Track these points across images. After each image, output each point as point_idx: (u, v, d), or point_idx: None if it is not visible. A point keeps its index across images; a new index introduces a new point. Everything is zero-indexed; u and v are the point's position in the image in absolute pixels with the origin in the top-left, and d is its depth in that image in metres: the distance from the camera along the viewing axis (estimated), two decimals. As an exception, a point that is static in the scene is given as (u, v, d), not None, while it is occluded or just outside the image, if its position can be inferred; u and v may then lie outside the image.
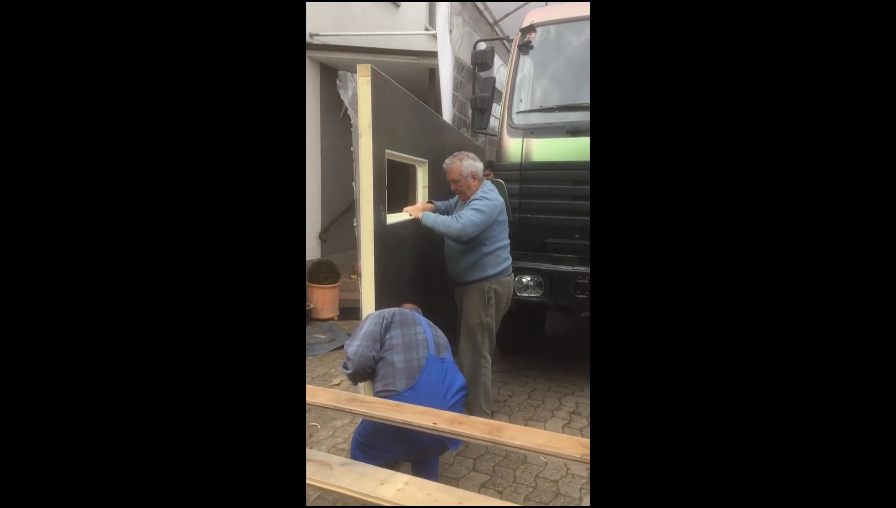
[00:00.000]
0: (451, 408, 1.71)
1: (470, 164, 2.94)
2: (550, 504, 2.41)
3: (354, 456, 1.90)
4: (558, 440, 1.51)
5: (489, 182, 3.08)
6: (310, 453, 1.71)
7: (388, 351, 1.83)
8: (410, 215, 2.84)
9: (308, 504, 2.20)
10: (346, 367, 1.91)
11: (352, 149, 2.86)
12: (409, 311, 2.05)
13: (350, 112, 3.02)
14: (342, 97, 3.17)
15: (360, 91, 2.11)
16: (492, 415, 3.13)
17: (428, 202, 3.16)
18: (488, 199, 2.89)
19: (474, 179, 2.96)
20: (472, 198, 2.90)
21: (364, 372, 1.87)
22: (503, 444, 1.52)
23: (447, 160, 3.04)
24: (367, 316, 2.03)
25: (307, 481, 1.55)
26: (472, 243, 2.90)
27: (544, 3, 6.39)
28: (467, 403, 2.81)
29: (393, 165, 2.65)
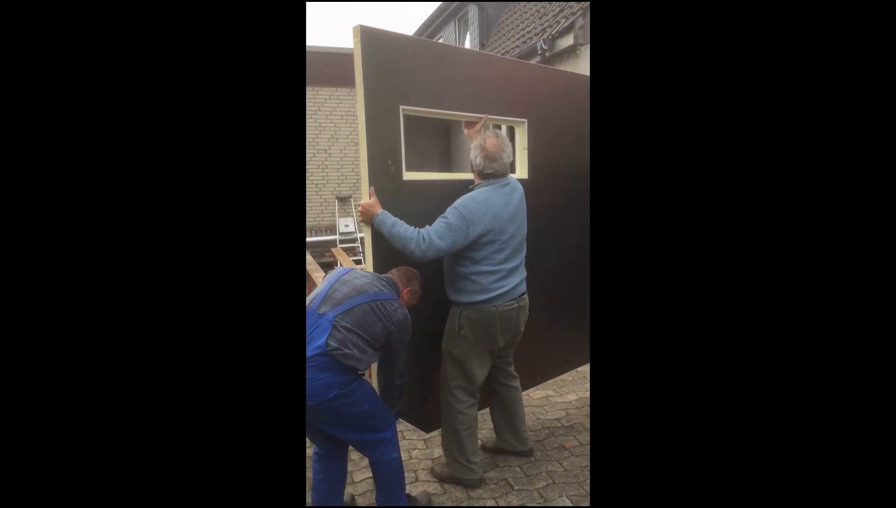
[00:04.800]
0: (308, 359, 1.80)
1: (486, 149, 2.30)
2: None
3: None
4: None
5: (490, 184, 2.33)
6: None
7: None
8: (359, 217, 2.26)
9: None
10: None
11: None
12: (339, 270, 2.13)
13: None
14: None
15: (354, 52, 2.06)
16: (531, 450, 2.73)
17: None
18: (466, 208, 2.20)
19: (480, 176, 2.35)
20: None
21: None
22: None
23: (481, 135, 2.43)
24: None
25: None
26: (449, 256, 2.31)
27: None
28: (444, 448, 2.52)
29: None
